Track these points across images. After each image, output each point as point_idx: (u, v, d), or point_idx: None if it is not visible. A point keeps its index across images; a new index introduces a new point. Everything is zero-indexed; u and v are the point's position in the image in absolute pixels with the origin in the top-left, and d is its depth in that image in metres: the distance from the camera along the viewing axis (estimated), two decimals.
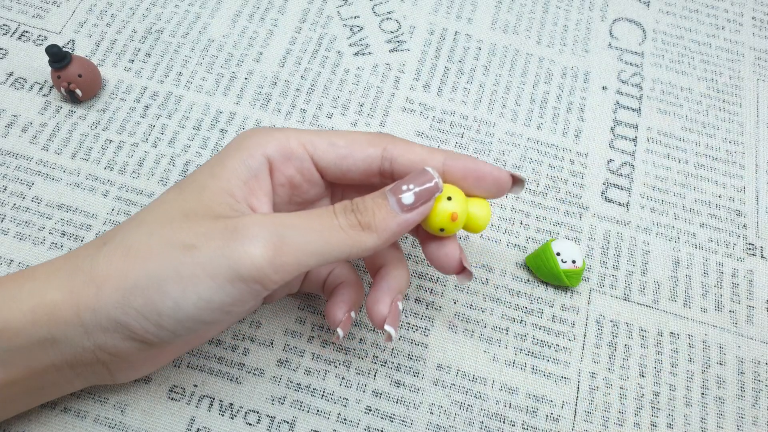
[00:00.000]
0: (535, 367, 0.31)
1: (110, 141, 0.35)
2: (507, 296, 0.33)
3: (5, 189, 0.33)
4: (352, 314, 0.27)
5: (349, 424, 0.29)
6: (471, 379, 0.30)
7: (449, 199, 0.24)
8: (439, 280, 0.33)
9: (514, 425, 0.30)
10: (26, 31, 0.38)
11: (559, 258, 0.32)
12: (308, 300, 0.32)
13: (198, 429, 0.28)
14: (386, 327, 0.25)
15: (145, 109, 0.36)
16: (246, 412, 0.29)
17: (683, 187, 0.37)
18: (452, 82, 0.39)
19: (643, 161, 0.37)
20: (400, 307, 0.26)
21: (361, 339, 0.31)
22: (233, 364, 0.30)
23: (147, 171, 0.34)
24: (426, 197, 0.23)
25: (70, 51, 0.36)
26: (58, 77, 0.34)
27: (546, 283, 0.33)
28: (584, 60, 0.40)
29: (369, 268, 0.28)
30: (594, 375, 0.31)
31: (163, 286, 0.21)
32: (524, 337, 0.32)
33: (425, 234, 0.26)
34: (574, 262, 0.32)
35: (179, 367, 0.29)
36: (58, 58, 0.33)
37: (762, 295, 0.34)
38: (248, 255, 0.21)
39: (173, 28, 0.39)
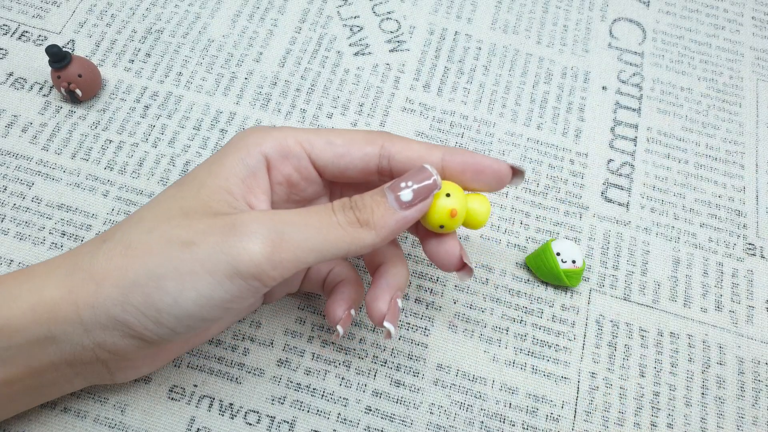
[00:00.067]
0: (535, 367, 0.31)
1: (110, 141, 0.35)
2: (507, 296, 0.33)
3: (5, 189, 0.33)
4: (352, 312, 0.27)
5: (349, 424, 0.29)
6: (471, 379, 0.30)
7: (448, 195, 0.24)
8: (439, 280, 0.33)
9: (514, 425, 0.30)
10: (26, 31, 0.38)
11: (559, 258, 0.32)
12: (308, 300, 0.32)
13: (198, 429, 0.28)
14: (385, 324, 0.25)
15: (145, 109, 0.36)
16: (246, 412, 0.29)
17: (683, 187, 0.37)
18: (452, 82, 0.39)
19: (643, 161, 0.37)
20: (400, 304, 0.26)
21: (361, 339, 0.31)
22: (233, 364, 0.30)
23: (147, 171, 0.34)
24: (424, 194, 0.23)
25: (70, 51, 0.36)
26: (58, 77, 0.34)
27: (546, 283, 0.33)
28: (584, 60, 0.40)
29: (368, 266, 0.28)
30: (594, 375, 0.31)
31: (161, 283, 0.21)
32: (524, 337, 0.32)
33: (425, 231, 0.26)
34: (574, 262, 0.32)
35: (179, 367, 0.29)
36: (58, 58, 0.33)
37: (762, 295, 0.34)
38: (246, 251, 0.21)
39: (173, 28, 0.39)
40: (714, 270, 0.34)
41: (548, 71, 0.40)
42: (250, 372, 0.30)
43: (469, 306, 0.32)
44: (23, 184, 0.33)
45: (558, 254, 0.32)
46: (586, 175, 0.37)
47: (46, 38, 0.38)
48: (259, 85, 0.37)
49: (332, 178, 0.26)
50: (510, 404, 0.30)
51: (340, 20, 0.40)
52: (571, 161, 0.37)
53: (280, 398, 0.29)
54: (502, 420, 0.30)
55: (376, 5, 0.41)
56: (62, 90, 0.34)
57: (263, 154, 0.25)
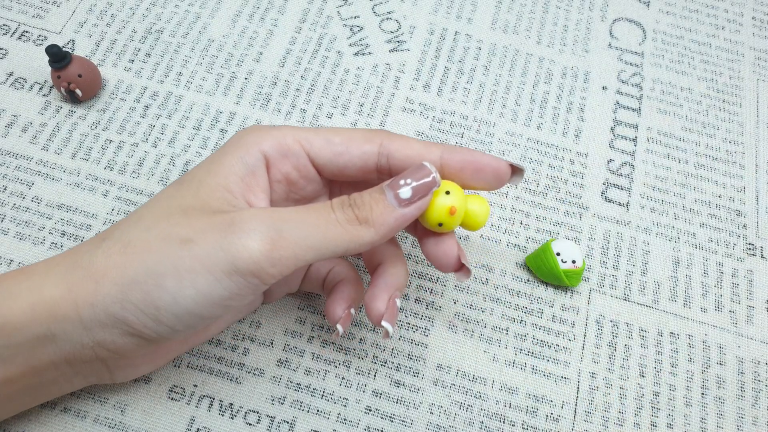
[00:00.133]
0: (535, 367, 0.31)
1: (110, 141, 0.35)
2: (507, 296, 0.33)
3: (5, 189, 0.33)
4: (352, 311, 0.27)
5: (349, 424, 0.29)
6: (471, 379, 0.30)
7: (447, 193, 0.24)
8: (439, 280, 0.33)
9: (514, 425, 0.30)
10: (26, 31, 0.38)
11: (559, 258, 0.32)
12: (308, 300, 0.32)
13: (198, 429, 0.28)
14: (383, 323, 0.25)
15: (145, 109, 0.36)
16: (246, 412, 0.29)
17: (683, 187, 0.37)
18: (452, 82, 0.39)
19: (643, 161, 0.37)
20: (398, 304, 0.26)
21: (361, 339, 0.31)
22: (233, 364, 0.30)
23: (147, 171, 0.34)
24: (423, 192, 0.23)
25: (70, 51, 0.36)
26: (58, 77, 0.34)
27: (546, 283, 0.33)
28: (584, 60, 0.40)
29: (368, 265, 0.28)
30: (594, 375, 0.31)
31: (160, 281, 0.21)
32: (524, 337, 0.32)
33: (423, 231, 0.26)
34: (574, 262, 0.32)
35: (179, 367, 0.29)
36: (58, 58, 0.33)
37: (762, 295, 0.34)
38: (245, 248, 0.21)
39: (173, 28, 0.39)
40: (714, 270, 0.34)
41: (548, 71, 0.40)
42: (250, 372, 0.30)
43: (469, 306, 0.32)
44: (23, 184, 0.33)
45: (558, 254, 0.32)
46: (586, 175, 0.37)
47: (46, 38, 0.38)
48: (259, 85, 0.37)
49: (331, 176, 0.26)
50: (510, 404, 0.30)
51: (340, 20, 0.40)
52: (571, 161, 0.37)
53: (280, 398, 0.29)
54: (502, 420, 0.30)
55: (376, 5, 0.41)
56: (62, 90, 0.34)
57: (262, 152, 0.25)
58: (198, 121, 0.36)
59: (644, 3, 0.43)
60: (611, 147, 0.38)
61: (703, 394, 0.31)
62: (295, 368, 0.30)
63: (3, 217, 0.32)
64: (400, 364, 0.31)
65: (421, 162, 0.24)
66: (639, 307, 0.33)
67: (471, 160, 0.25)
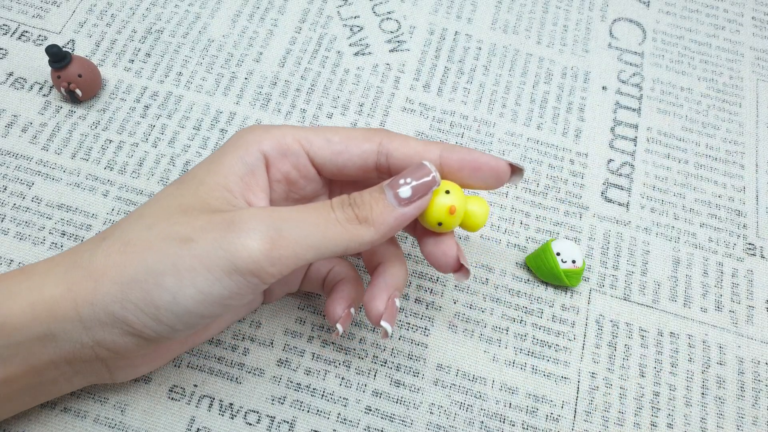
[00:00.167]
0: (535, 367, 0.31)
1: (110, 141, 0.35)
2: (507, 296, 0.33)
3: (5, 189, 0.33)
4: (352, 311, 0.27)
5: (349, 424, 0.29)
6: (471, 379, 0.30)
7: (447, 193, 0.24)
8: (439, 280, 0.33)
9: (514, 425, 0.30)
10: (26, 31, 0.38)
11: (559, 258, 0.32)
12: (308, 300, 0.32)
13: (198, 429, 0.28)
14: (382, 323, 0.25)
15: (145, 109, 0.36)
16: (246, 412, 0.29)
17: (683, 187, 0.37)
18: (452, 82, 0.39)
19: (643, 161, 0.37)
20: (398, 304, 0.26)
21: (361, 339, 0.31)
22: (233, 364, 0.30)
23: (147, 171, 0.34)
24: (423, 191, 0.23)
25: (70, 51, 0.36)
26: (58, 77, 0.34)
27: (546, 283, 0.33)
28: (584, 60, 0.40)
29: (367, 265, 0.28)
30: (594, 375, 0.31)
31: (160, 280, 0.21)
32: (524, 337, 0.32)
33: (423, 231, 0.26)
34: (574, 262, 0.32)
35: (179, 367, 0.29)
36: (58, 58, 0.33)
37: (762, 295, 0.34)
38: (245, 247, 0.21)
39: (173, 28, 0.39)
40: (714, 270, 0.34)
41: (548, 71, 0.40)
42: (250, 372, 0.30)
43: (469, 306, 0.32)
44: (23, 184, 0.33)
45: (558, 254, 0.32)
46: (586, 175, 0.37)
47: (46, 38, 0.38)
48: (259, 85, 0.37)
49: (331, 175, 0.26)
50: (510, 404, 0.30)
51: (340, 20, 0.40)
52: (571, 161, 0.37)
53: (280, 398, 0.29)
54: (502, 420, 0.30)
55: (376, 5, 0.41)
56: (62, 90, 0.34)
57: (262, 152, 0.25)
58: (198, 121, 0.36)
59: (644, 3, 0.43)
60: (611, 147, 0.38)
61: (703, 394, 0.31)
62: (295, 368, 0.30)
63: (3, 217, 0.32)
64: (400, 364, 0.31)
65: (421, 161, 0.24)
66: (639, 307, 0.33)
67: (470, 160, 0.25)
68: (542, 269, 0.32)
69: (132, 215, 0.24)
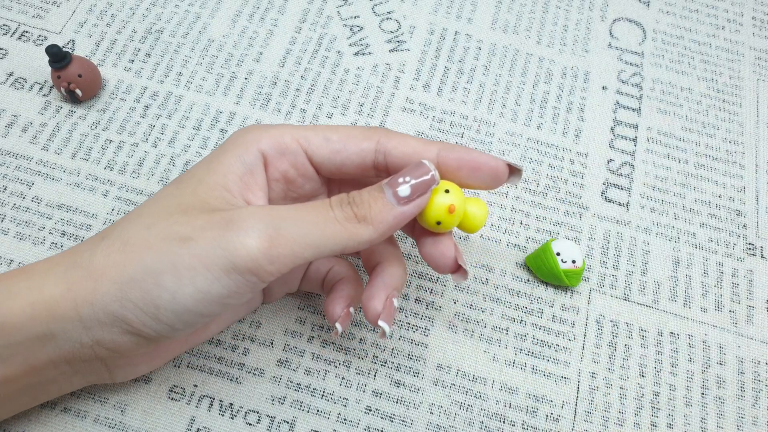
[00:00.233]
0: (535, 367, 0.31)
1: (110, 141, 0.35)
2: (507, 296, 0.33)
3: (5, 189, 0.33)
4: (351, 310, 0.27)
5: (349, 424, 0.29)
6: (471, 379, 0.30)
7: (447, 192, 0.24)
8: (439, 280, 0.33)
9: (514, 425, 0.30)
10: (26, 31, 0.38)
11: (559, 258, 0.32)
12: (308, 300, 0.32)
13: (198, 429, 0.28)
14: (380, 322, 0.25)
15: (145, 109, 0.36)
16: (246, 412, 0.29)
17: (683, 187, 0.37)
18: (452, 82, 0.39)
19: (643, 161, 0.37)
20: (396, 303, 0.26)
21: (361, 339, 0.31)
22: (233, 364, 0.30)
23: (147, 171, 0.34)
24: (422, 189, 0.23)
25: (70, 51, 0.36)
26: (58, 77, 0.34)
27: (546, 283, 0.33)
28: (584, 60, 0.40)
29: (366, 265, 0.28)
30: (594, 375, 0.31)
31: (159, 279, 0.21)
32: (524, 337, 0.32)
33: (421, 231, 0.26)
34: (574, 262, 0.32)
35: (179, 367, 0.29)
36: (58, 58, 0.33)
37: (762, 295, 0.34)
38: (243, 246, 0.21)
39: (173, 28, 0.39)
40: (714, 270, 0.34)
41: (548, 71, 0.40)
42: (250, 372, 0.30)
43: (469, 306, 0.32)
44: (23, 184, 0.33)
45: (558, 254, 0.32)
46: (586, 175, 0.37)
47: (46, 38, 0.38)
48: (259, 85, 0.37)
49: (329, 174, 0.26)
50: (510, 404, 0.30)
51: (340, 20, 0.40)
52: (571, 161, 0.37)
53: (280, 398, 0.29)
54: (502, 420, 0.30)
55: (376, 5, 0.41)
56: (62, 90, 0.34)
57: (260, 150, 0.25)
58: (198, 121, 0.36)
59: (644, 3, 0.43)
60: (611, 147, 0.38)
61: (703, 394, 0.31)
62: (295, 368, 0.30)
63: (3, 217, 0.32)
64: (400, 364, 0.31)
65: (420, 160, 0.24)
66: (639, 307, 0.33)
67: (468, 159, 0.25)
68: (542, 269, 0.32)
69: (131, 215, 0.24)
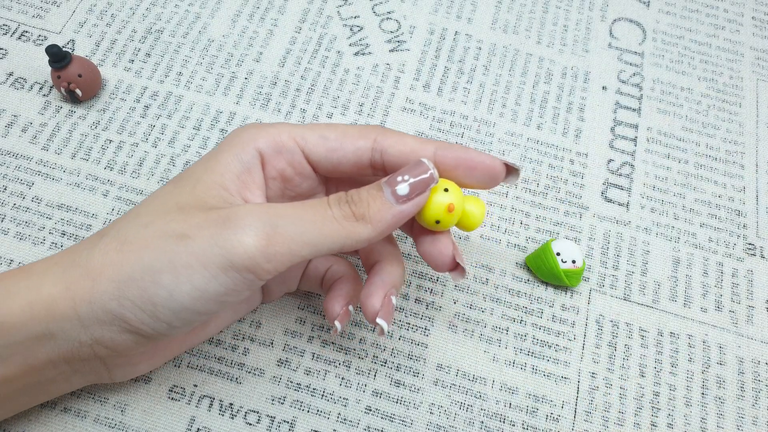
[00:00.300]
0: (535, 367, 0.31)
1: (110, 141, 0.35)
2: (507, 296, 0.33)
3: (5, 189, 0.33)
4: (350, 308, 0.27)
5: (349, 424, 0.29)
6: (471, 379, 0.30)
7: (446, 191, 0.24)
8: (439, 280, 0.33)
9: (514, 425, 0.30)
10: (26, 31, 0.38)
11: (559, 258, 0.32)
12: (308, 300, 0.32)
13: (198, 429, 0.28)
14: (378, 320, 0.25)
15: (145, 109, 0.36)
16: (246, 412, 0.29)
17: (683, 187, 0.37)
18: (452, 82, 0.39)
19: (643, 161, 0.37)
20: (394, 302, 0.26)
21: (361, 339, 0.31)
22: (233, 364, 0.30)
23: (147, 171, 0.34)
24: (421, 188, 0.23)
25: (70, 51, 0.36)
26: (58, 77, 0.34)
27: (546, 283, 0.33)
28: (584, 60, 0.40)
29: (365, 263, 0.28)
30: (594, 375, 0.31)
31: (157, 277, 0.21)
32: (524, 337, 0.32)
33: (419, 230, 0.26)
34: (574, 262, 0.32)
35: (179, 367, 0.29)
36: (58, 58, 0.33)
37: (762, 295, 0.34)
38: (241, 244, 0.21)
39: (173, 28, 0.39)
40: (714, 270, 0.34)
41: (548, 71, 0.40)
42: (250, 372, 0.30)
43: (469, 306, 0.32)
44: (23, 184, 0.33)
45: (558, 254, 0.32)
46: (586, 175, 0.37)
47: (46, 38, 0.38)
48: (259, 85, 0.37)
49: (326, 173, 0.26)
50: (510, 404, 0.30)
51: (340, 20, 0.40)
52: (571, 161, 0.37)
53: (280, 398, 0.29)
54: (502, 420, 0.30)
55: (376, 5, 0.41)
56: (62, 90, 0.34)
57: (257, 149, 0.25)
58: (198, 121, 0.36)
59: (644, 3, 0.43)
60: (611, 147, 0.38)
61: (703, 394, 0.31)
62: (295, 368, 0.30)
63: (3, 217, 0.32)
64: (400, 364, 0.31)
65: (419, 158, 0.24)
66: (639, 307, 0.33)
67: (465, 158, 0.25)
68: (542, 269, 0.32)
69: (129, 213, 0.24)
